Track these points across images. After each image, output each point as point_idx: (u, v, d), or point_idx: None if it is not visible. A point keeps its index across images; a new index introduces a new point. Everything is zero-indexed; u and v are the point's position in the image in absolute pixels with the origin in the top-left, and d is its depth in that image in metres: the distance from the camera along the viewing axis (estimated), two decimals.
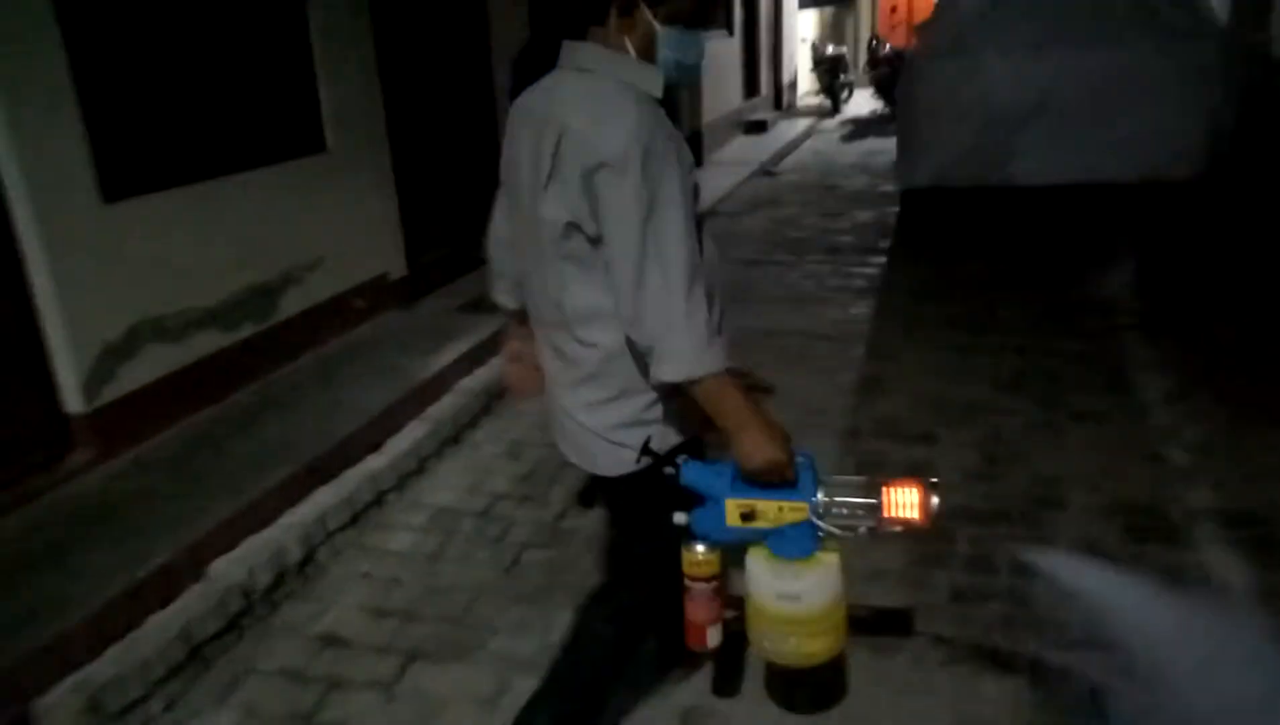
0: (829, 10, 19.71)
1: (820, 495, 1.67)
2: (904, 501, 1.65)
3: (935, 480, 1.66)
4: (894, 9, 19.08)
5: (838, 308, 5.47)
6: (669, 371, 1.58)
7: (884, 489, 1.66)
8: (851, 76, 15.53)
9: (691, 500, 1.75)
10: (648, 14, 1.65)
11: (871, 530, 1.69)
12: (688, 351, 1.56)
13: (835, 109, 14.91)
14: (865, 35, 18.37)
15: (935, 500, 1.64)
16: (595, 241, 1.60)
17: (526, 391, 2.10)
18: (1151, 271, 5.59)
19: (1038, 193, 6.12)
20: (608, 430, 1.78)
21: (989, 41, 6.02)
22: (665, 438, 1.78)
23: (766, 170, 10.34)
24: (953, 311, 5.21)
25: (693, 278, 1.56)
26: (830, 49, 15.48)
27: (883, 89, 13.79)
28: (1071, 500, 3.16)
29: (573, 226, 1.61)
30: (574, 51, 1.68)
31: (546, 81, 1.72)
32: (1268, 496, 3.10)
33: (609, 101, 1.57)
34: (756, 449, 1.61)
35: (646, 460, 1.73)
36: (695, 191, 1.64)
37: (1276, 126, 6.41)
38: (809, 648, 1.77)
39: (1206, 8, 6.21)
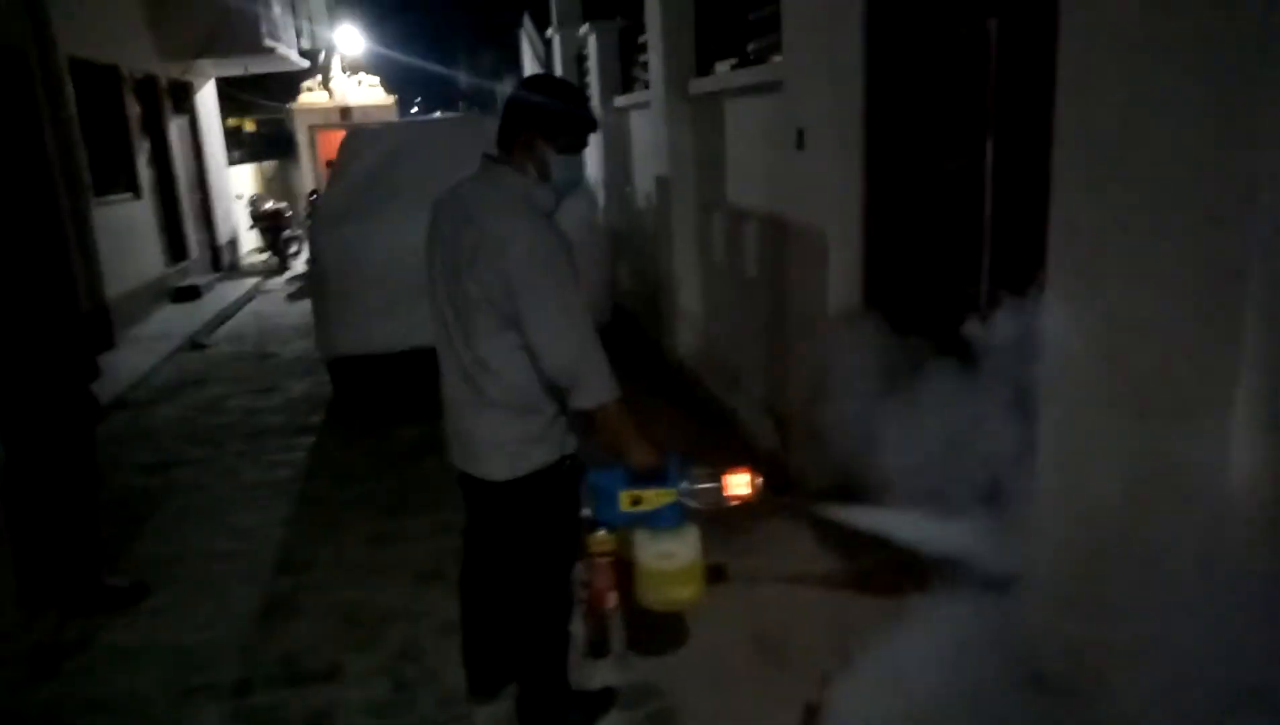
0: (270, 164, 19.13)
1: (684, 484, 2.43)
2: (739, 482, 2.45)
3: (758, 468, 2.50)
4: (328, 163, 19.10)
5: (254, 511, 4.77)
6: (588, 401, 2.27)
7: (724, 477, 2.45)
8: (298, 231, 15.01)
9: (578, 499, 2.50)
10: (543, 146, 2.28)
11: (720, 504, 2.46)
12: (601, 386, 2.25)
13: (283, 266, 14.23)
14: (308, 187, 18.05)
15: (760, 480, 2.46)
16: (502, 312, 2.20)
17: None
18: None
19: None
20: (508, 444, 2.35)
21: (383, 203, 5.93)
22: (560, 449, 2.41)
23: (196, 343, 9.27)
24: (381, 493, 4.83)
25: (592, 333, 2.24)
26: (270, 204, 14.85)
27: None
28: (477, 721, 2.84)
29: (486, 300, 2.20)
30: (490, 169, 2.33)
31: (464, 187, 2.36)
32: None
33: (517, 213, 2.21)
34: (643, 455, 2.37)
35: (537, 466, 2.36)
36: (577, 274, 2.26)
37: (645, 271, 7.26)
38: (686, 593, 2.59)
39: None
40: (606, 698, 2.84)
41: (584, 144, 2.39)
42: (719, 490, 2.46)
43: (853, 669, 2.69)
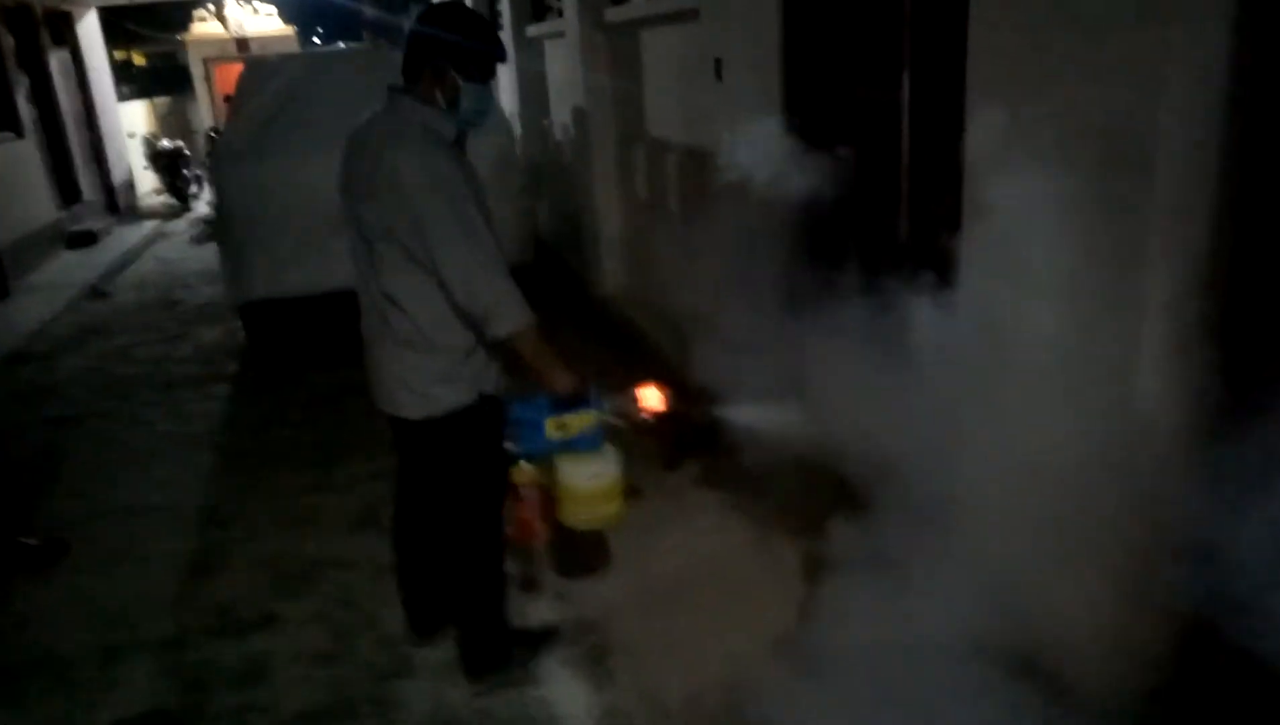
0: (164, 101, 18.12)
1: (604, 405, 2.57)
2: (651, 396, 2.66)
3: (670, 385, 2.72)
4: (227, 98, 18.20)
5: (173, 464, 4.64)
6: (504, 328, 2.25)
7: (636, 393, 2.65)
8: (198, 170, 14.33)
9: (500, 435, 2.54)
10: (452, 75, 2.28)
11: (637, 420, 2.66)
12: (515, 312, 2.25)
13: (185, 208, 13.61)
14: (207, 124, 17.18)
15: (669, 393, 2.67)
16: (406, 246, 2.21)
17: None
18: None
19: None
20: (423, 383, 2.35)
21: (288, 140, 5.69)
22: (474, 388, 2.40)
23: (97, 290, 8.85)
24: (305, 441, 4.75)
25: (500, 260, 2.25)
26: (167, 143, 14.11)
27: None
28: (417, 663, 2.86)
29: (388, 232, 2.21)
30: (395, 100, 2.32)
31: (372, 119, 2.35)
32: None
33: (415, 142, 2.20)
34: (565, 379, 2.41)
35: (451, 406, 2.37)
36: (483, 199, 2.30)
37: (566, 206, 7.17)
38: (610, 509, 2.75)
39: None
40: (548, 635, 2.89)
41: (492, 73, 2.40)
42: (635, 405, 2.65)
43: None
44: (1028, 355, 2.20)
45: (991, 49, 2.31)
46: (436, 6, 2.42)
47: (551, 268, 7.39)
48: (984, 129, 2.35)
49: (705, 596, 3.08)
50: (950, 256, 2.47)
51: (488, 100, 2.38)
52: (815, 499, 3.01)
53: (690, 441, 3.80)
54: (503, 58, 2.40)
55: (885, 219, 3.23)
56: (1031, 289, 2.16)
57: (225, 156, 5.93)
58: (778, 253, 3.84)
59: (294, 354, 6.15)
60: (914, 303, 2.50)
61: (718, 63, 4.02)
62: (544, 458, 2.76)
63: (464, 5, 2.58)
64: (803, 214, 3.56)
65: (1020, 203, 2.17)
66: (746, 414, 3.01)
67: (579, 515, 2.79)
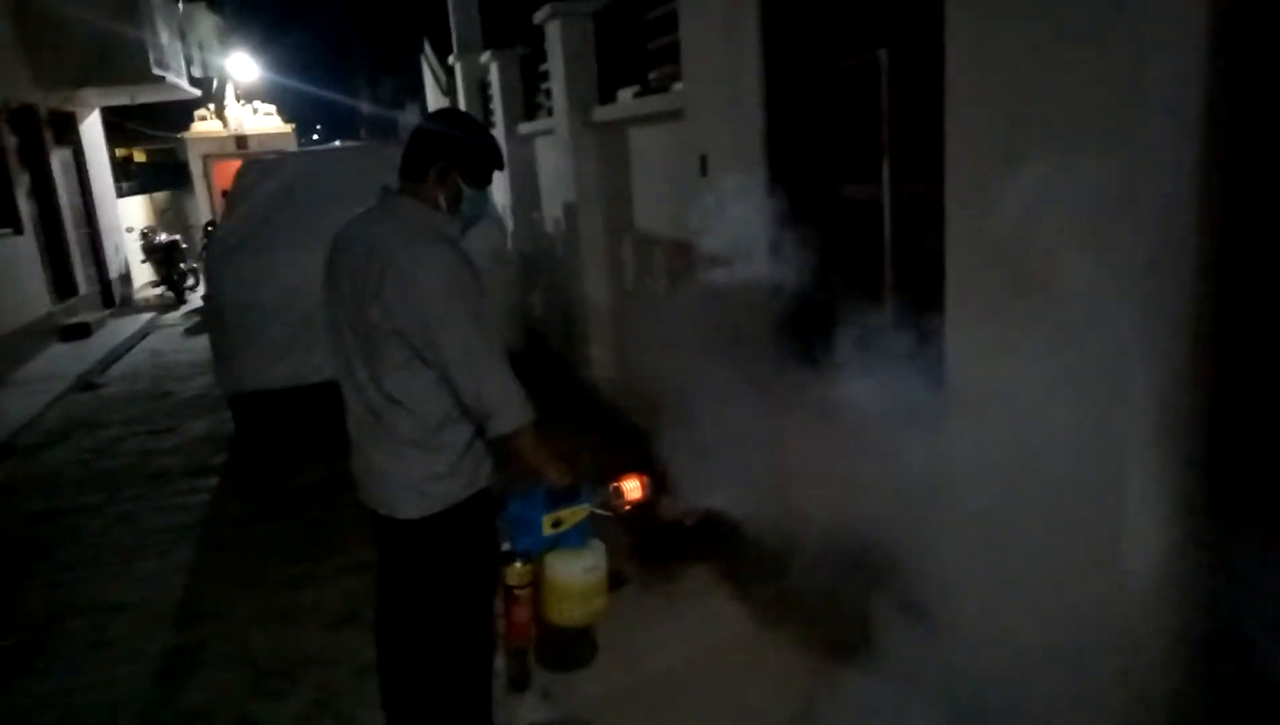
0: (163, 196, 18.45)
1: (594, 498, 2.57)
2: (631, 487, 2.64)
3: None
4: (225, 193, 18.54)
5: (154, 559, 4.57)
6: (505, 426, 2.25)
7: (620, 485, 2.62)
8: (194, 264, 14.50)
9: (494, 533, 2.50)
10: (456, 178, 2.30)
11: (620, 510, 2.63)
12: (516, 411, 2.26)
13: (180, 300, 13.73)
14: (204, 218, 17.46)
15: (648, 482, 2.65)
16: (412, 345, 2.18)
17: None
18: None
19: None
20: (418, 482, 2.31)
21: (282, 235, 5.78)
22: (471, 485, 2.37)
23: (88, 382, 8.87)
24: (290, 535, 4.68)
25: (505, 359, 2.25)
26: (163, 237, 14.32)
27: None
28: None
29: (395, 332, 2.17)
30: (392, 200, 2.32)
31: (365, 220, 2.33)
32: None
33: (427, 244, 2.18)
34: (561, 474, 2.41)
35: (448, 503, 2.33)
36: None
37: (557, 296, 7.26)
38: (601, 604, 2.70)
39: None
40: None
41: (490, 179, 2.41)
42: (619, 497, 2.64)
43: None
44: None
45: (967, 140, 2.38)
46: (443, 111, 2.48)
47: (542, 355, 7.44)
48: (963, 222, 2.40)
49: (694, 692, 3.00)
50: (932, 344, 2.50)
51: (484, 205, 2.41)
52: (805, 588, 2.97)
53: (673, 536, 3.75)
54: (502, 166, 2.43)
55: (866, 307, 3.27)
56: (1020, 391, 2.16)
57: (219, 250, 6.02)
58: (760, 340, 3.88)
59: (282, 445, 6.12)
60: (888, 393, 2.52)
61: (703, 159, 4.13)
62: (538, 555, 2.73)
63: (464, 111, 2.63)
64: (785, 303, 3.61)
65: (1004, 291, 2.21)
66: (726, 503, 2.99)
67: (571, 612, 2.73)
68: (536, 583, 2.81)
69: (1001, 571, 2.22)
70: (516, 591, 2.75)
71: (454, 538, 2.39)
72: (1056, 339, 2.00)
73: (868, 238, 3.28)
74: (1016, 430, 2.11)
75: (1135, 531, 1.98)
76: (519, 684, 3.08)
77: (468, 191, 2.32)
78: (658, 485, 2.68)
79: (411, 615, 2.63)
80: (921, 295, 2.75)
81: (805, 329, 3.71)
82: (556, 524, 2.54)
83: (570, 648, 3.21)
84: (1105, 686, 2.06)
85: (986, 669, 2.30)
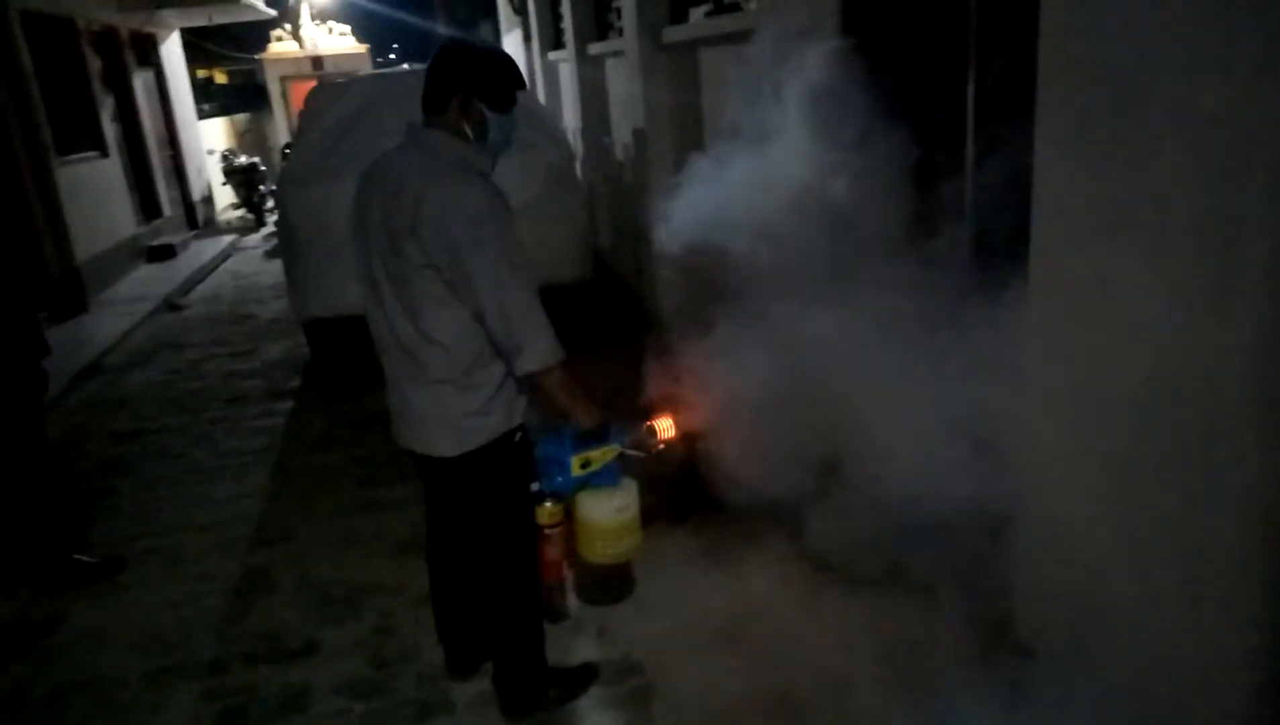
0: (243, 118, 18.70)
1: (624, 438, 2.62)
2: (664, 426, 2.69)
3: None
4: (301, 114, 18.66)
5: (230, 480, 4.71)
6: (534, 363, 2.22)
7: (652, 424, 2.68)
8: (274, 186, 14.71)
9: (527, 470, 2.49)
10: (479, 105, 2.24)
11: (654, 449, 2.68)
12: (547, 348, 2.22)
13: (260, 222, 13.99)
14: (283, 141, 17.65)
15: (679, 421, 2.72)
16: (446, 280, 2.16)
17: None
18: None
19: None
20: (460, 419, 2.31)
21: (351, 161, 5.73)
22: (508, 421, 2.37)
23: (172, 304, 9.13)
24: (360, 459, 4.76)
25: (537, 296, 2.21)
26: (243, 159, 14.53)
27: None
28: (456, 699, 2.81)
29: (430, 267, 2.15)
30: (421, 134, 2.28)
31: (394, 156, 2.29)
32: None
33: (458, 179, 2.16)
34: (589, 416, 2.42)
35: (486, 439, 2.32)
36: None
37: (627, 224, 7.12)
38: (633, 541, 2.83)
39: (550, 116, 6.61)
40: (587, 674, 2.81)
41: (514, 101, 2.33)
42: (652, 436, 2.67)
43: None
44: None
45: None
46: (452, 44, 2.39)
47: (609, 284, 7.35)
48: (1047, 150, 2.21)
49: (750, 637, 2.97)
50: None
51: (511, 128, 2.34)
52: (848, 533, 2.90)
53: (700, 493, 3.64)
54: (523, 85, 2.35)
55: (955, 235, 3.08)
56: None
57: (289, 176, 6.04)
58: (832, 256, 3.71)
59: (353, 371, 6.20)
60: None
61: None
62: (569, 495, 2.74)
63: (476, 42, 2.58)
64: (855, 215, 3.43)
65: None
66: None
67: (604, 550, 2.81)
68: (571, 521, 2.87)
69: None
70: (546, 531, 2.80)
71: (492, 473, 2.41)
72: None
73: (949, 165, 3.09)
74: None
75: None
76: (554, 616, 3.08)
77: (493, 117, 2.27)
78: (692, 426, 2.73)
79: (458, 548, 2.65)
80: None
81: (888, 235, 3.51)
82: (585, 464, 2.58)
83: (608, 583, 3.22)
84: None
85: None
